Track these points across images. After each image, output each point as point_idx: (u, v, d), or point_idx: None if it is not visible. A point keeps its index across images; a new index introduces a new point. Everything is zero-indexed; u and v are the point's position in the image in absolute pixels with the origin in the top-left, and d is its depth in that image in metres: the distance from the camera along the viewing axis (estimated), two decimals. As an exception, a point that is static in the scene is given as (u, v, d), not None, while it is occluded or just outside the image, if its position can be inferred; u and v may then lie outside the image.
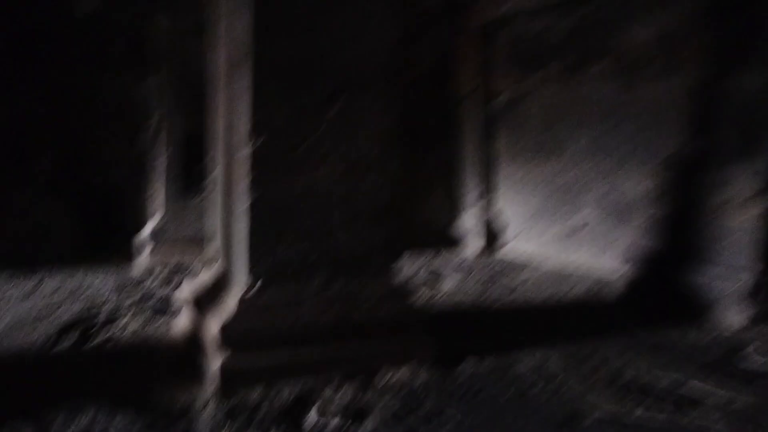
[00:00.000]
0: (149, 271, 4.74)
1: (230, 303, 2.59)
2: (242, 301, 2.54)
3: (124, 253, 5.25)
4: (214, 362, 2.48)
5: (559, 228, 5.50)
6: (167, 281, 4.41)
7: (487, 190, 6.22)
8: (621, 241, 4.85)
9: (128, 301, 3.81)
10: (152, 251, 5.04)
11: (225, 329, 2.47)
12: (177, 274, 4.67)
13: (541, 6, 5.49)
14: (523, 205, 5.88)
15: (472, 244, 6.11)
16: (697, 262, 3.87)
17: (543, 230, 5.67)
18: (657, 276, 4.06)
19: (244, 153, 2.61)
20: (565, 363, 2.83)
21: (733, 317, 3.58)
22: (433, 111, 6.23)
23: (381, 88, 2.77)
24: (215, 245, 3.20)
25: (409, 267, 5.10)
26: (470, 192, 6.32)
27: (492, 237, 6.09)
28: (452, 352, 2.89)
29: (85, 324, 3.35)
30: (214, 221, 3.28)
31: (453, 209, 6.43)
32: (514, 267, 5.25)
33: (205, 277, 3.11)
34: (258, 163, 2.58)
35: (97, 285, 4.27)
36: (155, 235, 5.07)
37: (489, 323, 3.56)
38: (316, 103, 2.67)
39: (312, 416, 2.23)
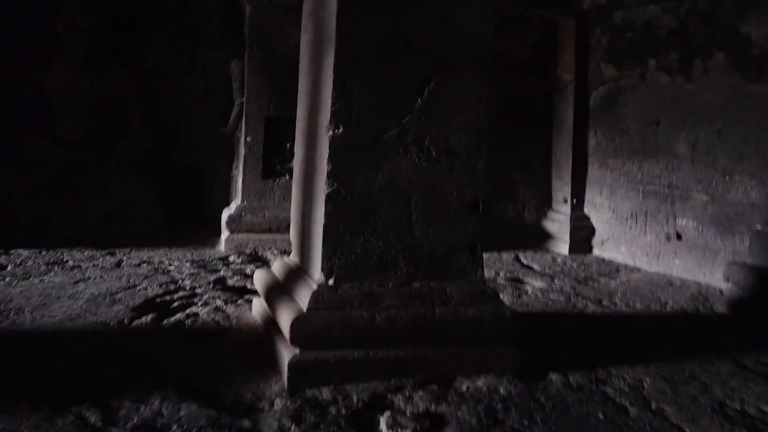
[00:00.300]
0: (226, 256, 4.73)
1: (303, 296, 2.48)
2: (315, 296, 2.42)
3: (204, 235, 5.28)
4: (284, 357, 2.38)
5: (654, 235, 5.15)
6: (243, 267, 4.37)
7: (579, 189, 5.91)
8: (723, 253, 4.49)
9: (204, 285, 3.78)
10: (230, 236, 5.03)
11: (296, 323, 2.35)
12: (253, 260, 4.63)
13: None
14: (617, 207, 5.55)
15: (561, 246, 5.81)
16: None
17: (636, 235, 5.33)
18: (765, 294, 3.69)
19: (323, 140, 2.49)
20: (661, 385, 2.56)
21: None
22: (525, 101, 5.96)
23: (474, 75, 2.58)
24: (291, 234, 3.11)
25: (494, 267, 4.88)
26: (560, 190, 6.02)
27: (582, 239, 5.78)
28: (537, 362, 2.67)
29: (160, 305, 3.34)
30: (292, 209, 3.18)
31: (541, 207, 6.14)
32: (604, 272, 4.94)
33: (279, 266, 3.01)
34: (338, 151, 2.45)
35: (176, 266, 4.28)
36: (234, 219, 5.06)
37: (577, 332, 3.31)
38: (403, 90, 2.51)
39: (382, 425, 2.08)
